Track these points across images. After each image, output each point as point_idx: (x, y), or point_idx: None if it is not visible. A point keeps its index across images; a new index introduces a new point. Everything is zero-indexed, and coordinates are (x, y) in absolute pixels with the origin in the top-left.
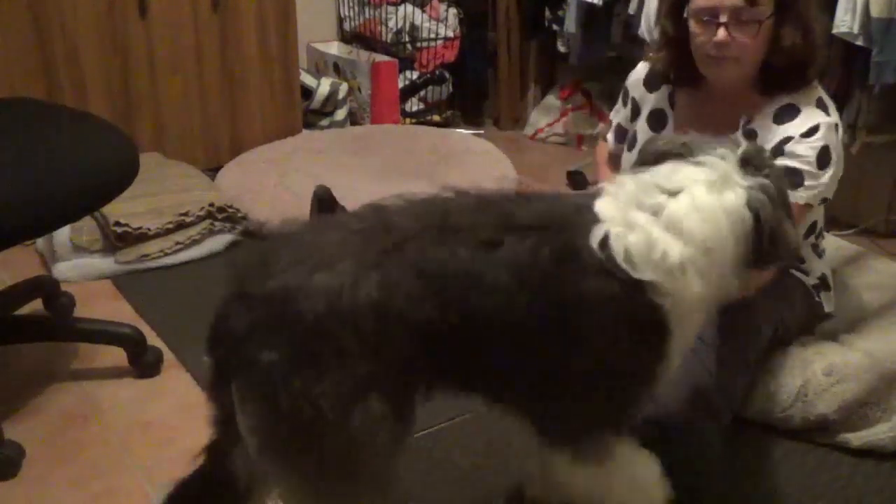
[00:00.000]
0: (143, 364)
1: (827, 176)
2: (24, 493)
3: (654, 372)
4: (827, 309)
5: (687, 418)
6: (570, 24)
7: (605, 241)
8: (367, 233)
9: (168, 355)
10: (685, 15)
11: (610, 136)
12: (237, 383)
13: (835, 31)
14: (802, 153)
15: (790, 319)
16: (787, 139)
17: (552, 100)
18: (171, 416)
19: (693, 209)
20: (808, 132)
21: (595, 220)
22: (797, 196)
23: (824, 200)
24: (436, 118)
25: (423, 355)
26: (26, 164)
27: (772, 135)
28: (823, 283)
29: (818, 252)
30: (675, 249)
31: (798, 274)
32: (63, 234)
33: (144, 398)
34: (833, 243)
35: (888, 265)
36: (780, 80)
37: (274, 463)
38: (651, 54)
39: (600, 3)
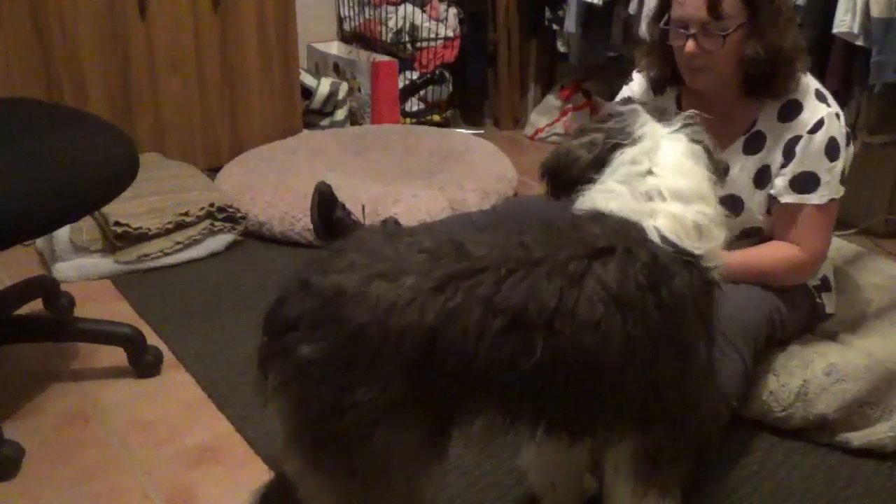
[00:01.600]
0: (143, 364)
1: (839, 166)
2: (24, 493)
3: (712, 340)
4: (828, 310)
5: None
6: (570, 24)
7: (662, 237)
8: (439, 254)
9: (168, 355)
10: (666, 20)
11: None
12: (274, 368)
13: (835, 30)
14: (812, 151)
15: (788, 316)
16: (797, 138)
17: (552, 100)
18: (171, 416)
19: (672, 174)
20: (813, 128)
21: (632, 222)
22: (819, 196)
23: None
24: (436, 118)
25: (479, 392)
26: (26, 164)
27: (780, 133)
28: (825, 285)
29: None
30: (695, 215)
31: None
32: (63, 234)
33: (144, 398)
34: (833, 243)
35: (888, 265)
36: (761, 85)
37: (298, 456)
38: (640, 57)
39: (600, 3)
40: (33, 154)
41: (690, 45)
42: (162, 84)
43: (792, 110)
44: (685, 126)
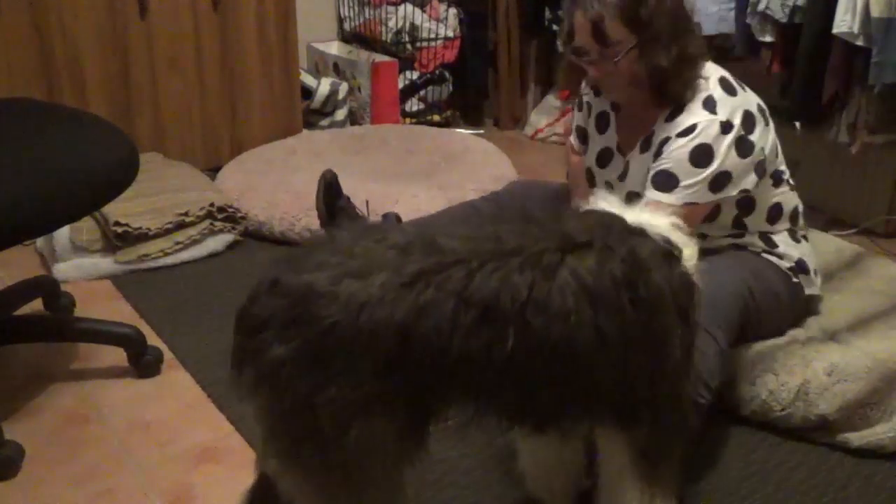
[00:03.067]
0: (143, 364)
1: (708, 173)
2: (24, 493)
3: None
4: (808, 291)
5: None
6: None
7: (653, 227)
8: (409, 249)
9: (168, 355)
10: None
11: (573, 138)
12: (249, 369)
13: (835, 30)
14: (675, 154)
15: (764, 298)
16: (666, 140)
17: (552, 100)
18: (171, 416)
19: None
20: (683, 132)
21: (619, 216)
22: (675, 197)
23: (744, 192)
24: (436, 118)
25: (454, 384)
26: (26, 164)
27: (661, 134)
28: (800, 266)
29: (796, 238)
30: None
31: (771, 258)
32: (63, 234)
33: (144, 398)
34: (833, 243)
35: (888, 266)
36: (660, 93)
37: (276, 454)
38: (560, 76)
39: None
40: (33, 154)
41: (591, 70)
42: (162, 84)
43: (675, 114)
44: None
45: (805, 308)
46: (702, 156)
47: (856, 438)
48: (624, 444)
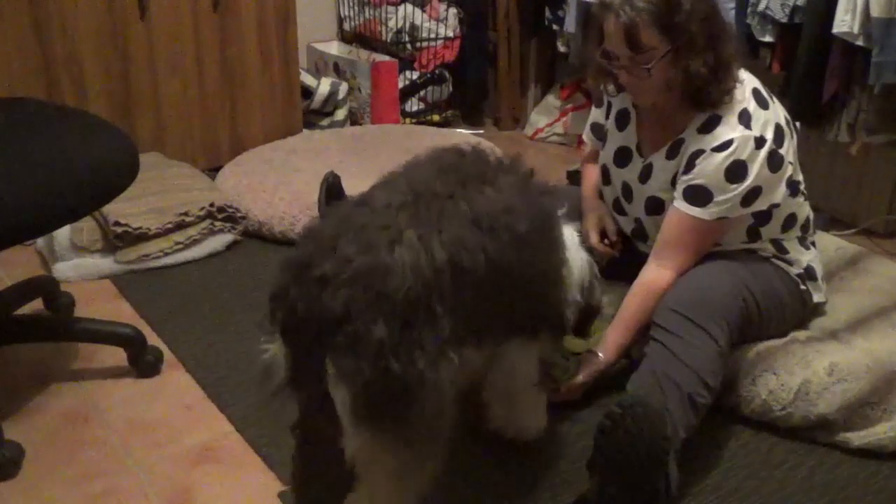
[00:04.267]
0: (143, 364)
1: (741, 189)
2: (24, 493)
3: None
4: (816, 298)
5: (653, 401)
6: (570, 24)
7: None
8: (412, 204)
9: (168, 355)
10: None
11: (586, 133)
12: (339, 361)
13: (835, 30)
14: (710, 169)
15: (767, 301)
16: (700, 152)
17: (552, 100)
18: (171, 416)
19: None
20: (719, 147)
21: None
22: (707, 212)
23: (775, 206)
24: (436, 118)
25: (476, 305)
26: (26, 164)
27: (693, 144)
28: (809, 273)
29: (805, 244)
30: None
31: (780, 263)
32: (63, 234)
33: (144, 398)
34: (833, 243)
35: (888, 266)
36: (699, 98)
37: (366, 429)
38: (589, 76)
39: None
40: (33, 154)
41: (622, 75)
42: (162, 84)
43: (710, 124)
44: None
45: (811, 314)
46: (737, 172)
47: (856, 438)
48: (533, 352)
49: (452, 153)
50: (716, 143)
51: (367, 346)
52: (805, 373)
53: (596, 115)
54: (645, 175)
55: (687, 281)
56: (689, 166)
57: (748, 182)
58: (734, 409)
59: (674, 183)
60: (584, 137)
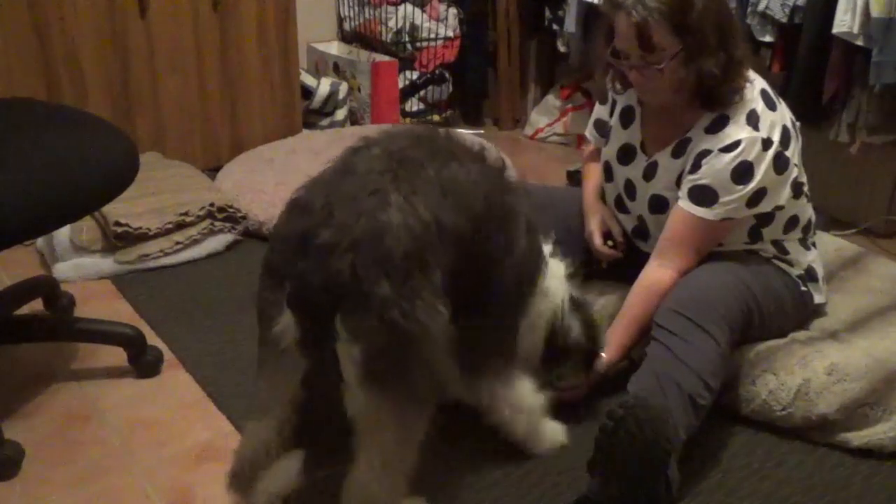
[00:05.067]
0: (143, 364)
1: (747, 190)
2: (24, 493)
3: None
4: (817, 300)
5: (656, 402)
6: (570, 24)
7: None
8: (391, 170)
9: (168, 355)
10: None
11: (589, 130)
12: (349, 321)
13: (835, 30)
14: (717, 170)
15: (769, 302)
16: (707, 152)
17: (552, 100)
18: (171, 416)
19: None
20: (727, 147)
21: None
22: (713, 213)
23: (779, 208)
24: (436, 118)
25: (453, 258)
26: (26, 164)
27: (699, 143)
28: (810, 274)
29: (806, 245)
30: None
31: (781, 264)
32: (63, 234)
33: (144, 398)
34: (833, 243)
35: (888, 265)
36: (709, 98)
37: (372, 385)
38: (597, 73)
39: (601, 3)
40: (33, 154)
41: (633, 74)
42: (162, 84)
43: (718, 124)
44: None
45: (811, 315)
46: (743, 173)
47: (856, 438)
48: (482, 331)
49: (426, 128)
50: (723, 144)
51: (374, 304)
52: (805, 373)
53: (600, 111)
54: (649, 173)
55: (688, 281)
56: (696, 166)
57: (754, 183)
58: (734, 409)
59: (678, 182)
60: (587, 134)
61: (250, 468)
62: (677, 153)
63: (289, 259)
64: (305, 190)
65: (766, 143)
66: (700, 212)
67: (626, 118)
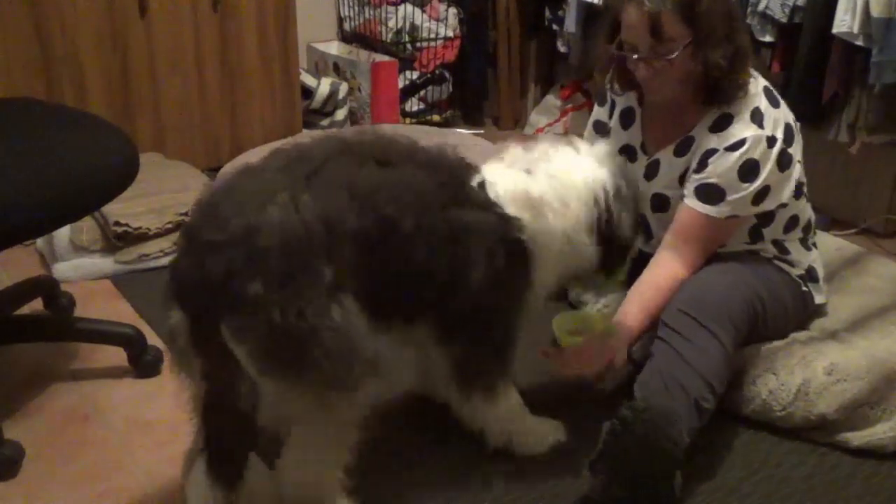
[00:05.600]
0: (143, 364)
1: (753, 188)
2: (24, 493)
3: (522, 300)
4: (818, 300)
5: (664, 405)
6: (570, 24)
7: (482, 184)
8: (288, 168)
9: (168, 355)
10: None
11: (588, 132)
12: (228, 321)
13: (835, 30)
14: (724, 168)
15: (772, 304)
16: (712, 151)
17: (552, 100)
18: (171, 416)
19: (556, 167)
20: (732, 146)
21: (476, 170)
22: (718, 210)
23: (782, 206)
24: (436, 118)
25: (358, 260)
26: (26, 164)
27: (704, 142)
28: (810, 275)
29: (807, 245)
30: (534, 188)
31: (782, 265)
32: (63, 234)
33: (144, 398)
34: (833, 243)
35: (888, 265)
36: (713, 93)
37: (277, 379)
38: (596, 73)
39: (600, 2)
40: (33, 154)
41: (641, 68)
42: (162, 84)
43: (722, 123)
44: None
45: (812, 315)
46: (749, 171)
47: (856, 438)
48: (448, 360)
49: (361, 132)
50: (729, 143)
51: (248, 304)
52: (805, 373)
53: (599, 113)
54: (650, 172)
55: (694, 282)
56: (702, 165)
57: (760, 181)
58: (734, 409)
59: (681, 180)
60: (586, 136)
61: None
62: (680, 151)
63: (177, 256)
64: (211, 188)
65: (771, 141)
66: (707, 210)
67: (626, 119)
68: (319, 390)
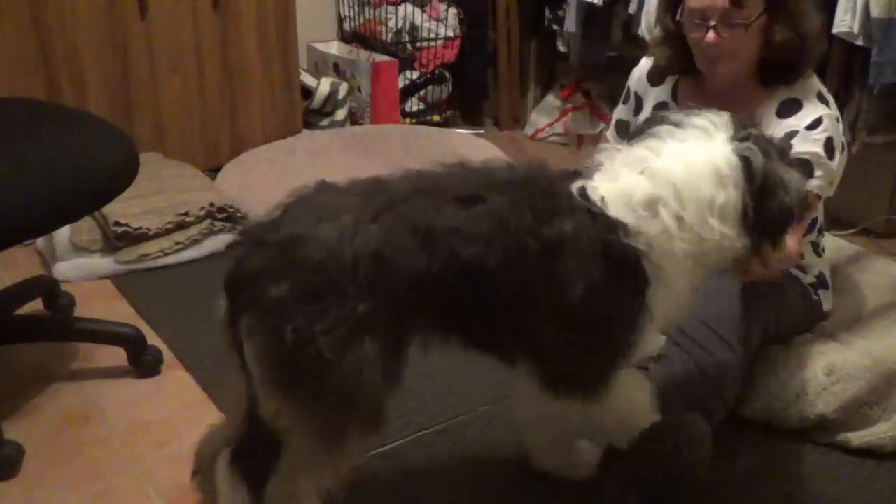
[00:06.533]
0: (143, 364)
1: (832, 166)
2: (24, 493)
3: (636, 319)
4: (825, 308)
5: (677, 414)
6: (570, 24)
7: (583, 189)
8: (367, 195)
9: (168, 355)
10: (680, 13)
11: (610, 132)
12: (246, 317)
13: (835, 30)
14: (810, 145)
15: (785, 316)
16: (794, 133)
17: (552, 100)
18: (171, 416)
19: (672, 157)
20: (812, 124)
21: (576, 177)
22: (811, 185)
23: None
24: (436, 118)
25: (416, 302)
26: (26, 164)
27: (775, 128)
28: (821, 282)
29: (818, 251)
30: (641, 187)
31: (795, 271)
32: (63, 234)
33: (144, 398)
34: (833, 243)
35: (888, 265)
36: (778, 73)
37: (274, 393)
38: (652, 48)
39: (600, 3)
40: (33, 154)
41: (711, 35)
42: (162, 84)
43: (791, 108)
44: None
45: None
46: (830, 149)
47: (856, 438)
48: (533, 374)
49: (448, 169)
50: (808, 122)
51: (267, 304)
52: (805, 373)
53: (621, 112)
54: None
55: (717, 295)
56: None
57: (836, 160)
58: (734, 410)
59: None
60: (609, 136)
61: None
62: None
63: (232, 247)
64: (293, 195)
65: (838, 121)
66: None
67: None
68: (310, 422)
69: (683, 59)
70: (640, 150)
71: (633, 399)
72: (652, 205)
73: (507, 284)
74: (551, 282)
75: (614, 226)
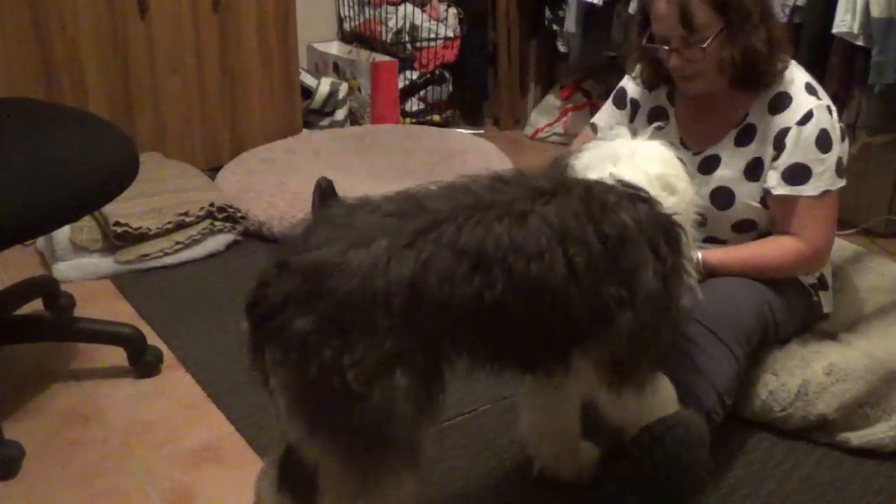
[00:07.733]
0: (143, 364)
1: (832, 158)
2: (24, 493)
3: (680, 293)
4: (826, 309)
5: (676, 414)
6: (570, 24)
7: (619, 178)
8: (401, 214)
9: (168, 355)
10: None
11: (601, 132)
12: (271, 347)
13: (835, 30)
14: (802, 143)
15: (782, 314)
16: (786, 130)
17: (552, 100)
18: (171, 416)
19: (643, 148)
20: (802, 119)
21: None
22: (811, 187)
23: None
24: (436, 118)
25: (458, 332)
26: (26, 164)
27: (769, 126)
28: (822, 283)
29: None
30: (654, 168)
31: None
32: (63, 234)
33: (144, 398)
34: (833, 243)
35: (888, 265)
36: (751, 81)
37: (301, 425)
38: (628, 68)
39: (600, 2)
40: (33, 154)
41: (674, 59)
42: (162, 84)
43: (781, 102)
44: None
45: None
46: (825, 141)
47: (856, 438)
48: (597, 376)
49: (488, 182)
50: (798, 117)
51: (292, 339)
52: (804, 373)
53: (617, 117)
54: (707, 167)
55: (717, 295)
56: (779, 147)
57: (835, 150)
58: (734, 410)
59: (747, 170)
60: (597, 121)
61: None
62: (742, 141)
63: (265, 262)
64: (330, 206)
65: (830, 110)
66: (801, 190)
67: (657, 118)
68: (337, 454)
69: (660, 71)
70: (619, 143)
71: (667, 387)
72: (665, 182)
73: (576, 292)
74: (622, 274)
75: (657, 205)
